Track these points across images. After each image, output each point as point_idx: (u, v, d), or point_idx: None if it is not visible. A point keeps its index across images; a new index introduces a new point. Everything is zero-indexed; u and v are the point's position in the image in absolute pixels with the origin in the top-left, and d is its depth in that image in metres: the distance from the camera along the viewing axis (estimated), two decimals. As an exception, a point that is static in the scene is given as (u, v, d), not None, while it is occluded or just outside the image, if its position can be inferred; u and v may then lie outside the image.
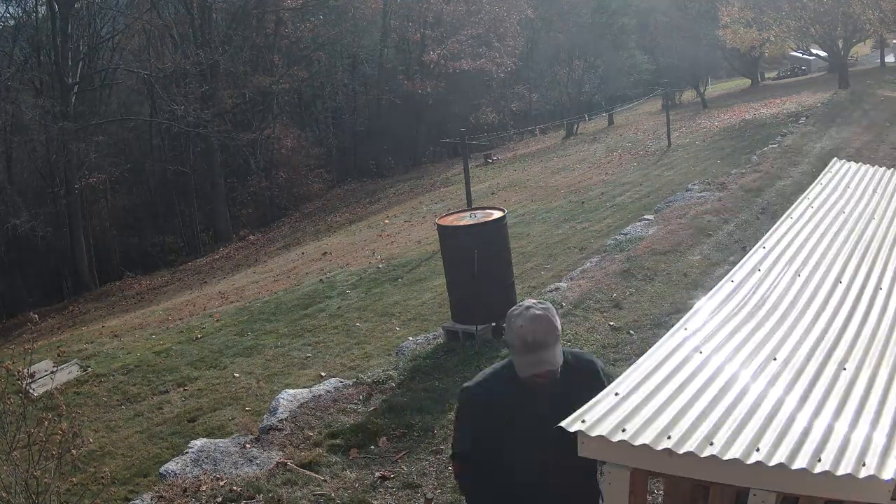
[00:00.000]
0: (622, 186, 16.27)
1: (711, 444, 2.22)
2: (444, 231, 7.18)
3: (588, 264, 9.24)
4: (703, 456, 2.18)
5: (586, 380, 2.72)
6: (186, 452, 5.39)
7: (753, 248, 3.69)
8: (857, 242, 3.82)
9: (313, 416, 5.78)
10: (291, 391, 6.28)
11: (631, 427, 2.29)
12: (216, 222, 30.71)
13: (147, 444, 7.37)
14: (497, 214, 7.08)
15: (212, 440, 5.70)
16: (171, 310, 14.97)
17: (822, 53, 33.48)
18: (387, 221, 20.71)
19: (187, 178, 30.90)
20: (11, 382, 4.63)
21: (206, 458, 5.25)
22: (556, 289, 8.10)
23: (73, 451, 4.39)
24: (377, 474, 4.88)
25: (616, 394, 2.47)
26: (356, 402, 6.00)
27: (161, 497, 4.83)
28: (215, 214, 30.65)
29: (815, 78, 36.36)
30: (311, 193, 32.83)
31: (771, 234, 3.85)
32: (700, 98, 33.79)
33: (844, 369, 2.66)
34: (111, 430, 7.90)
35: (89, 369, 9.82)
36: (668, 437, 2.24)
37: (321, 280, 13.11)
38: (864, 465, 2.10)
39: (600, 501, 2.63)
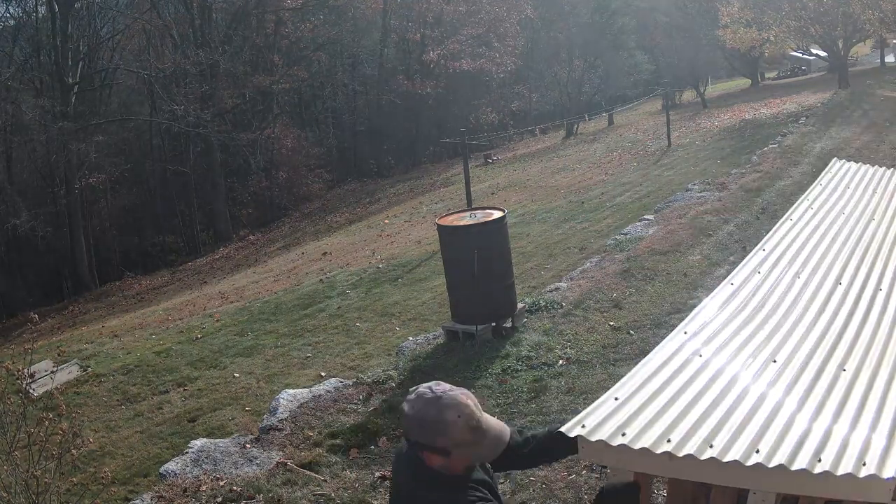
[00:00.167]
0: (622, 186, 16.27)
1: (711, 446, 2.22)
2: (444, 231, 7.18)
3: (588, 264, 9.24)
4: (703, 458, 2.19)
5: None
6: (186, 452, 5.39)
7: (753, 250, 3.69)
8: (856, 243, 3.82)
9: (313, 416, 5.78)
10: (291, 391, 6.28)
11: (631, 431, 2.29)
12: (216, 222, 30.70)
13: (147, 444, 7.37)
14: (497, 214, 7.07)
15: (212, 440, 5.70)
16: (171, 310, 14.97)
17: (822, 53, 33.47)
18: (387, 221, 20.71)
19: (187, 178, 30.88)
20: (11, 382, 4.64)
21: (206, 458, 5.25)
22: (556, 289, 8.10)
23: (73, 451, 4.39)
24: (377, 474, 4.88)
25: (616, 398, 2.47)
26: (356, 402, 6.00)
27: (161, 497, 4.83)
28: (215, 214, 30.65)
29: (815, 78, 36.35)
30: (311, 193, 32.82)
31: (771, 236, 3.86)
32: (700, 98, 33.79)
33: (844, 370, 2.66)
34: (111, 430, 7.90)
35: (89, 369, 9.82)
36: (668, 441, 2.24)
37: (321, 280, 13.11)
38: (864, 464, 2.11)
39: None
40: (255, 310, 11.82)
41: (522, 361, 6.28)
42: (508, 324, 7.04)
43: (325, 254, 17.38)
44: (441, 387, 2.09)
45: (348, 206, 28.19)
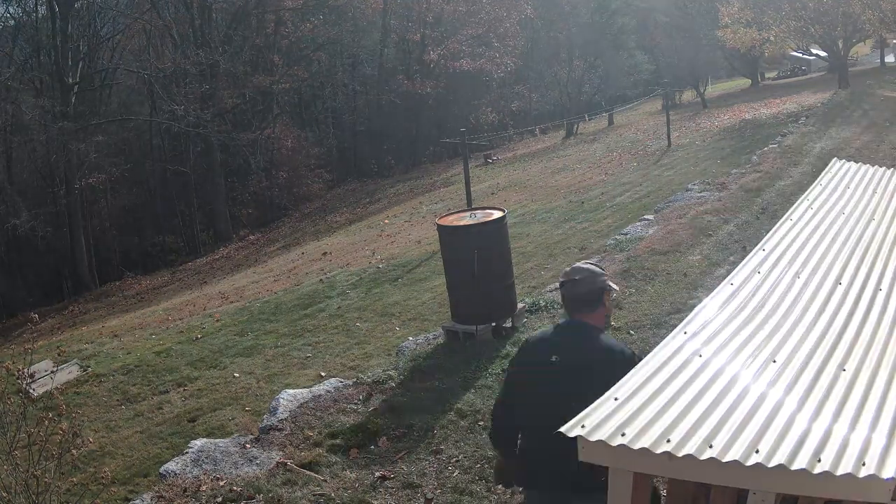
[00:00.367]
0: (622, 186, 16.27)
1: (711, 446, 2.22)
2: (444, 231, 7.18)
3: (588, 264, 9.22)
4: (702, 458, 2.19)
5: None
6: (186, 452, 5.39)
7: (753, 251, 3.69)
8: (857, 243, 3.82)
9: (313, 416, 5.78)
10: (291, 391, 6.27)
11: (630, 431, 2.29)
12: (216, 222, 30.71)
13: (147, 444, 7.37)
14: (497, 214, 7.07)
15: (212, 440, 5.70)
16: (171, 310, 14.97)
17: (822, 53, 33.47)
18: (387, 221, 20.71)
19: (187, 178, 30.89)
20: (11, 382, 4.64)
21: (206, 458, 5.25)
22: (557, 289, 8.09)
23: (73, 451, 4.39)
24: (377, 474, 4.88)
25: (616, 398, 2.47)
26: (356, 402, 6.00)
27: (161, 497, 4.83)
28: (215, 214, 30.65)
29: (815, 78, 36.36)
30: (311, 193, 32.84)
31: (771, 236, 3.85)
32: (700, 98, 33.80)
33: (844, 370, 2.66)
34: (111, 430, 7.91)
35: (89, 369, 9.82)
36: (668, 441, 2.24)
37: (321, 280, 13.11)
38: (863, 464, 2.11)
39: None
40: (255, 310, 11.82)
41: (522, 361, 6.28)
42: (508, 324, 7.04)
43: (325, 254, 17.38)
44: (586, 264, 3.27)
45: (348, 206, 28.20)
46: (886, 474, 2.06)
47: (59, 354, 10.45)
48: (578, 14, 36.15)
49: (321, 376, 7.76)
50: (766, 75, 41.99)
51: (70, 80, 27.24)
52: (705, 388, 2.53)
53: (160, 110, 29.09)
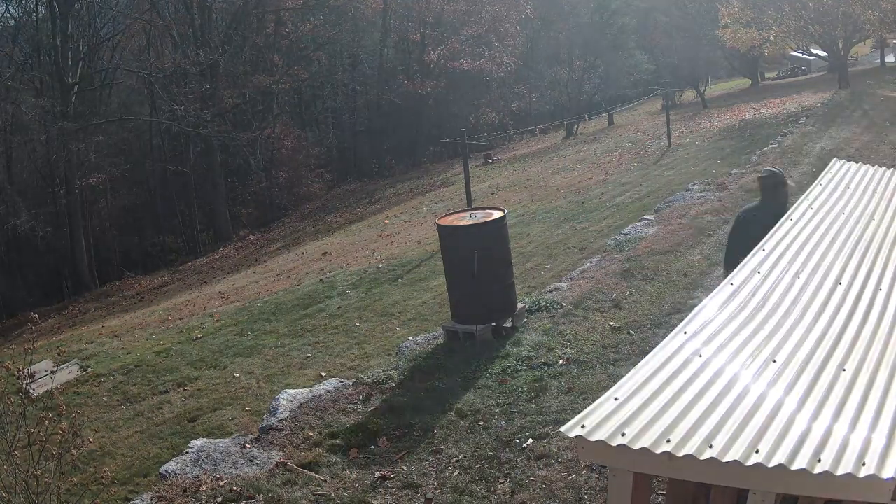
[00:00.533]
0: (622, 186, 16.27)
1: (711, 446, 2.22)
2: (444, 231, 7.18)
3: (588, 264, 9.24)
4: (702, 458, 2.19)
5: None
6: (186, 452, 5.39)
7: (753, 251, 3.69)
8: (856, 243, 3.82)
9: (313, 416, 5.78)
10: (291, 391, 6.27)
11: (630, 431, 2.29)
12: (216, 222, 30.71)
13: (147, 444, 7.37)
14: (497, 214, 7.07)
15: (212, 440, 5.70)
16: (171, 310, 14.97)
17: (822, 53, 33.44)
18: (387, 221, 20.72)
19: (187, 178, 30.88)
20: (11, 382, 4.63)
21: (206, 458, 5.25)
22: (557, 289, 8.10)
23: (73, 451, 4.39)
24: (377, 474, 4.88)
25: (615, 398, 2.47)
26: (356, 402, 6.00)
27: (161, 497, 4.83)
28: (215, 214, 30.65)
29: (815, 78, 36.34)
30: (311, 193, 32.83)
31: (770, 236, 3.86)
32: (700, 98, 33.79)
33: (844, 370, 2.66)
34: (111, 430, 7.91)
35: (89, 369, 9.82)
36: (668, 441, 2.24)
37: (321, 280, 13.11)
38: (863, 464, 2.10)
39: None
40: (255, 310, 11.82)
41: (522, 361, 6.28)
42: (508, 324, 7.04)
43: (325, 254, 17.38)
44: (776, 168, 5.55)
45: (348, 206, 28.20)
46: (886, 474, 2.06)
47: (59, 354, 10.44)
48: (578, 14, 36.10)
49: (321, 376, 7.76)
50: (766, 75, 41.95)
51: (70, 80, 27.23)
52: (705, 388, 2.54)
53: (160, 110, 29.09)
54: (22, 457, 4.17)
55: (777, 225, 4.02)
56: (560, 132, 33.75)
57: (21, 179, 28.52)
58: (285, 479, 4.86)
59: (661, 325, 6.60)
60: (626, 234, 10.38)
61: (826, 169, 5.07)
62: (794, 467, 2.10)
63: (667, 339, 2.87)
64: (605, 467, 2.41)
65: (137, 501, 4.91)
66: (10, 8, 29.91)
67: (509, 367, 6.22)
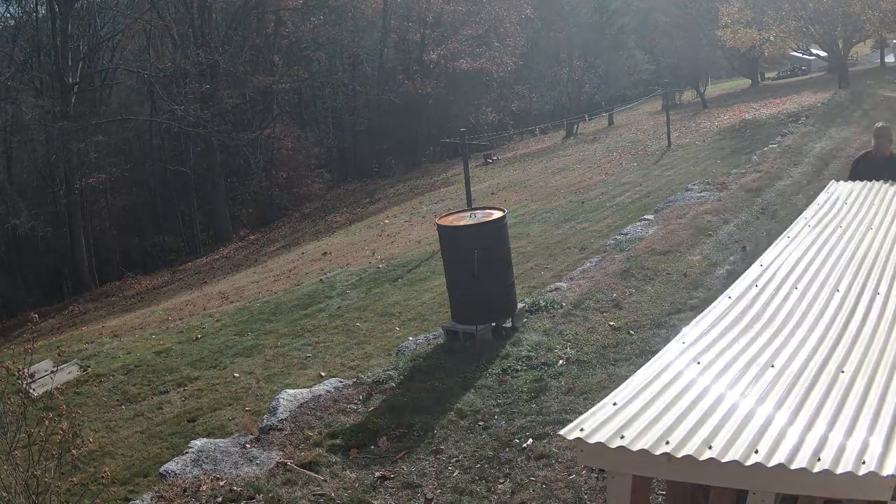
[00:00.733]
0: (622, 186, 16.27)
1: (710, 447, 2.22)
2: (444, 231, 7.18)
3: (588, 264, 9.24)
4: (702, 459, 2.19)
5: None
6: (186, 452, 5.39)
7: (750, 267, 3.73)
8: (854, 253, 3.84)
9: (313, 416, 5.78)
10: (291, 391, 6.27)
11: (630, 433, 2.29)
12: (216, 222, 30.71)
13: (147, 444, 7.37)
14: (497, 214, 7.07)
15: (212, 440, 5.70)
16: (171, 310, 14.97)
17: (822, 53, 33.45)
18: (387, 221, 20.72)
19: (187, 178, 30.89)
20: (11, 382, 4.63)
21: (206, 458, 5.25)
22: (557, 289, 8.10)
23: (73, 451, 4.39)
24: (377, 474, 4.88)
25: (614, 403, 2.47)
26: (356, 402, 6.00)
27: (161, 497, 4.83)
28: (215, 214, 30.65)
29: (815, 78, 36.35)
30: (311, 193, 32.83)
31: (768, 253, 3.89)
32: (700, 98, 33.79)
33: (843, 372, 2.67)
34: (111, 430, 7.91)
35: (89, 369, 9.83)
36: (667, 443, 2.25)
37: (321, 280, 13.11)
38: (863, 462, 2.10)
39: None
40: (255, 310, 11.82)
41: (522, 361, 6.29)
42: (508, 324, 7.04)
43: (325, 254, 17.39)
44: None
45: (348, 206, 28.20)
46: (886, 472, 2.06)
47: (59, 354, 10.44)
48: (578, 14, 36.10)
49: (321, 376, 7.76)
50: (766, 75, 41.97)
51: (70, 80, 27.23)
52: (704, 392, 2.54)
53: (160, 110, 29.09)
54: (22, 457, 4.17)
55: (774, 242, 4.08)
56: (560, 132, 33.75)
57: (21, 179, 28.52)
58: (285, 479, 4.86)
59: (662, 325, 6.60)
60: (626, 234, 10.38)
61: (825, 189, 5.12)
62: (794, 466, 2.10)
63: (664, 348, 2.89)
64: (603, 470, 2.42)
65: (137, 501, 4.92)
66: (10, 8, 29.98)
67: (509, 367, 6.22)
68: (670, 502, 2.64)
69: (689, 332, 3.02)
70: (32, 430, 4.23)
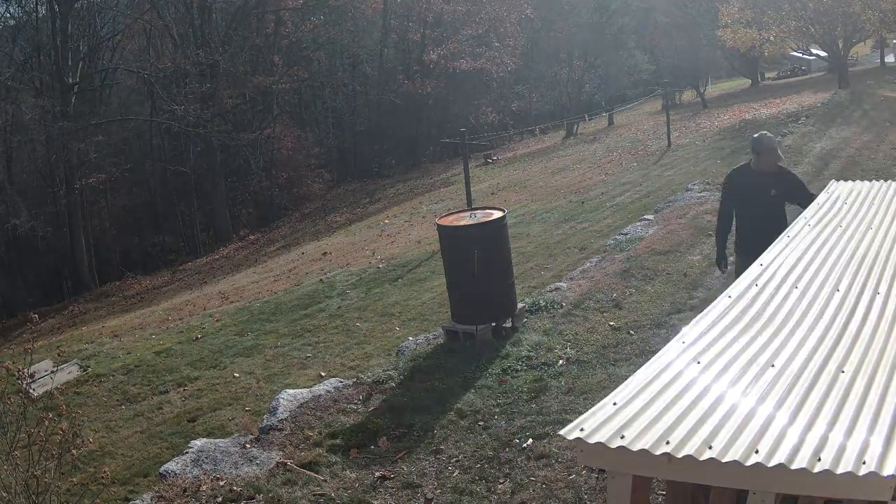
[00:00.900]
0: (622, 186, 16.27)
1: (710, 447, 2.22)
2: (443, 231, 7.18)
3: (588, 264, 9.24)
4: (702, 459, 2.19)
5: (792, 181, 5.62)
6: (186, 452, 5.38)
7: (750, 267, 3.73)
8: (850, 258, 3.85)
9: (313, 416, 5.78)
10: (291, 391, 6.27)
11: (630, 433, 2.29)
12: (216, 222, 30.72)
13: (147, 444, 7.37)
14: (497, 214, 7.07)
15: (212, 440, 5.70)
16: (171, 310, 14.97)
17: (822, 53, 33.47)
18: (387, 221, 20.72)
19: (187, 178, 30.90)
20: (11, 382, 4.63)
21: (206, 458, 5.25)
22: (557, 289, 8.10)
23: (73, 451, 4.39)
24: (377, 474, 4.88)
25: (614, 403, 2.47)
26: (356, 402, 6.00)
27: (161, 497, 4.83)
28: (215, 214, 30.66)
29: (815, 78, 36.35)
30: (311, 193, 32.84)
31: (768, 253, 3.89)
32: (700, 98, 33.81)
33: (843, 371, 2.66)
34: (111, 430, 7.91)
35: (89, 369, 9.83)
36: (667, 443, 2.25)
37: (321, 280, 13.11)
38: (864, 462, 2.10)
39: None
40: (255, 310, 11.83)
41: (522, 361, 6.28)
42: (508, 324, 7.04)
43: (325, 254, 17.39)
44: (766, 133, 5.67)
45: (348, 206, 28.21)
46: (887, 472, 2.06)
47: (59, 354, 10.44)
48: (578, 14, 36.13)
49: (321, 376, 7.76)
50: (766, 75, 41.99)
51: (70, 80, 27.24)
52: (704, 391, 2.54)
53: (160, 110, 29.10)
54: (22, 457, 4.17)
55: (774, 243, 4.07)
56: (560, 132, 33.76)
57: (21, 179, 28.53)
58: (285, 479, 4.86)
59: (662, 325, 6.60)
60: (626, 234, 10.38)
61: (825, 189, 5.12)
62: (794, 466, 2.10)
63: (664, 349, 2.88)
64: (603, 470, 2.42)
65: (137, 501, 4.91)
66: (10, 8, 29.99)
67: (509, 367, 6.22)
68: (670, 502, 2.64)
69: (689, 331, 3.02)
70: (32, 430, 4.23)
